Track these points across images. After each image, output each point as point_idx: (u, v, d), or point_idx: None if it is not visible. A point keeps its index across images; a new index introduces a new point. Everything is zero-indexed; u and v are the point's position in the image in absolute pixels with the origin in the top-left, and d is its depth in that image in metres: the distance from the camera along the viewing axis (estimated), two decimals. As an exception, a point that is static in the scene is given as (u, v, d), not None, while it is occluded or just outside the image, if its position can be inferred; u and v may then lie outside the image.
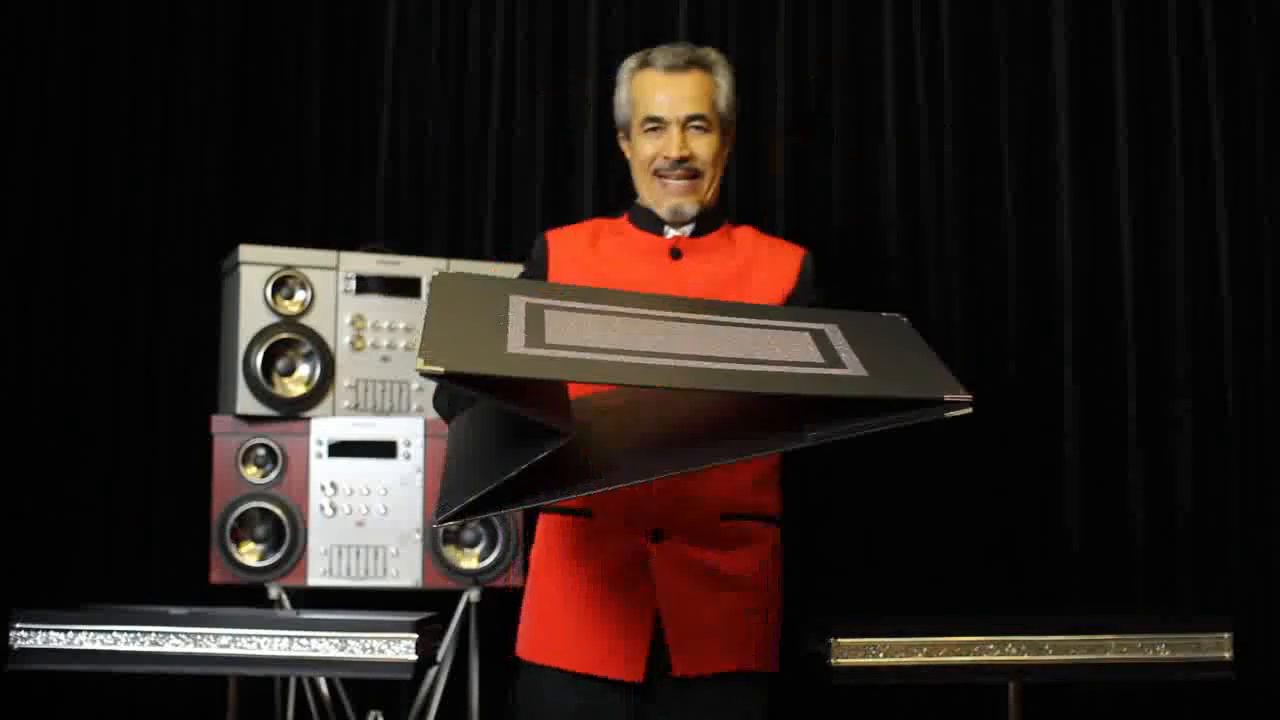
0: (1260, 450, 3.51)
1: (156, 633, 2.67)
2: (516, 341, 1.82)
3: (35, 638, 2.68)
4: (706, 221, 2.41)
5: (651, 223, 2.41)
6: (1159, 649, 2.74)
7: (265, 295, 3.22)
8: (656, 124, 2.36)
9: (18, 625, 2.69)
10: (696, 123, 2.35)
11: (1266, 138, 3.58)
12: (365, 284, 3.31)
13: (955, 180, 3.66)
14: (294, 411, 3.22)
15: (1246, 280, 3.55)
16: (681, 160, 2.34)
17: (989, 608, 3.41)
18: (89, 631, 2.68)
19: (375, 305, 3.31)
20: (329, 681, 3.28)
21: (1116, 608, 3.47)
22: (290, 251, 3.28)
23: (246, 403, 3.18)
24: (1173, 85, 3.60)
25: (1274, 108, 3.58)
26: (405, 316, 3.33)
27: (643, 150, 2.38)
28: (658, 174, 2.37)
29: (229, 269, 3.32)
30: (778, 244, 2.49)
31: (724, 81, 2.40)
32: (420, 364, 1.68)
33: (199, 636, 2.67)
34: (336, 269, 3.29)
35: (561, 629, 2.31)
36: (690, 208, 2.37)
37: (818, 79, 3.74)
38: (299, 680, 3.27)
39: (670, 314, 2.00)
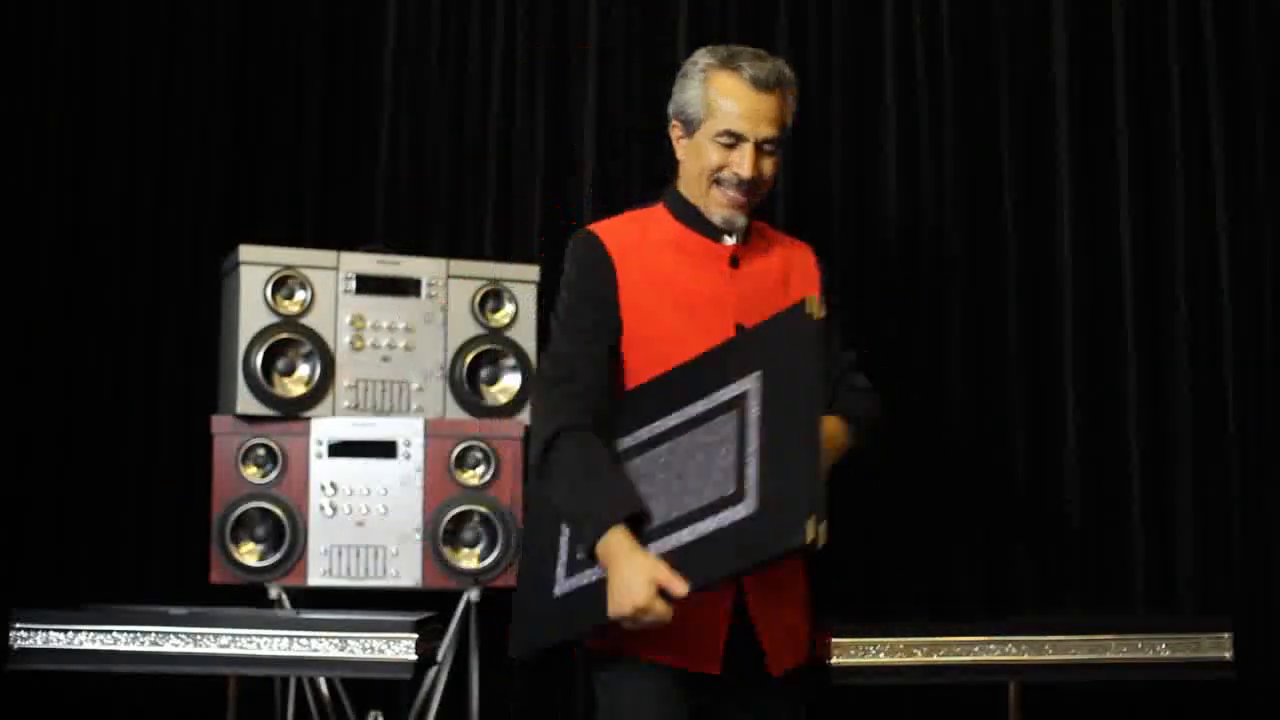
0: (1260, 450, 3.51)
1: (156, 633, 2.67)
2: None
3: (35, 638, 2.68)
4: (748, 227, 2.42)
5: (704, 225, 2.38)
6: (1159, 649, 2.74)
7: (265, 295, 3.22)
8: (733, 139, 2.30)
9: (18, 625, 2.69)
10: (770, 145, 2.33)
11: (1266, 138, 3.58)
12: (365, 284, 3.31)
13: (955, 180, 3.66)
14: (294, 411, 3.22)
15: (1246, 281, 3.55)
16: (753, 180, 2.32)
17: (989, 608, 3.42)
18: (89, 631, 2.68)
19: (375, 305, 3.31)
20: (329, 681, 3.28)
21: (1116, 608, 3.47)
22: (290, 251, 3.28)
23: (246, 403, 3.18)
24: (1173, 85, 3.60)
25: (1274, 108, 3.58)
26: (405, 316, 3.32)
27: (709, 157, 2.32)
28: (718, 183, 2.33)
29: (229, 269, 3.32)
30: (793, 243, 2.52)
31: (793, 100, 2.40)
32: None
33: (199, 636, 2.67)
34: (336, 269, 3.29)
35: None
36: (742, 220, 2.37)
37: (818, 79, 3.74)
38: (299, 680, 3.27)
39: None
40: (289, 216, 3.78)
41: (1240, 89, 3.59)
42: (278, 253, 3.26)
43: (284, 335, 3.22)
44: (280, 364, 3.23)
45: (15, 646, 2.68)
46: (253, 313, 3.20)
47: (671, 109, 2.40)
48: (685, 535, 2.09)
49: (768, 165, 2.33)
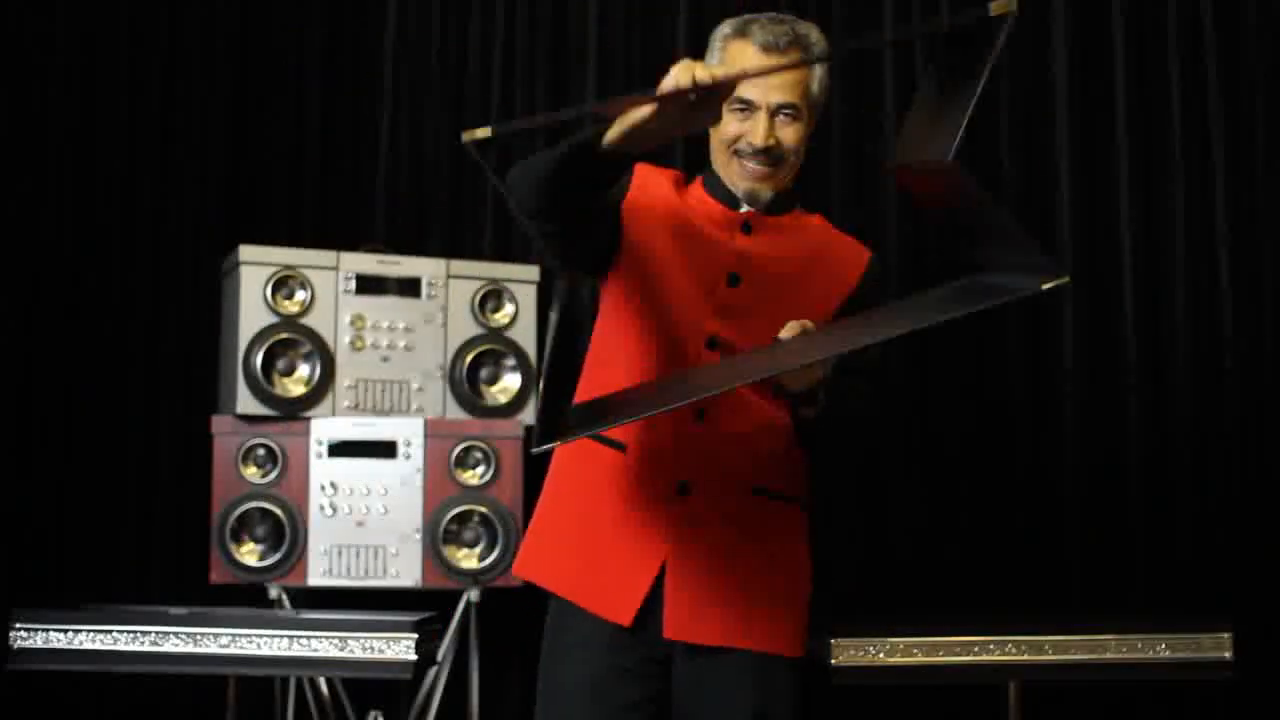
0: (1260, 450, 3.51)
1: (156, 633, 2.67)
2: None
3: (35, 638, 2.68)
4: (779, 203, 2.35)
5: (726, 195, 2.34)
6: (1159, 649, 2.74)
7: (265, 295, 3.22)
8: (745, 106, 2.24)
9: (18, 625, 2.69)
10: (787, 111, 2.25)
11: (1266, 138, 3.58)
12: (365, 284, 3.31)
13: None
14: (294, 411, 3.22)
15: (1246, 280, 3.55)
16: (767, 149, 2.25)
17: (989, 608, 3.42)
18: (89, 631, 2.68)
19: (375, 305, 3.31)
20: (329, 681, 3.28)
21: (1116, 608, 3.47)
22: (290, 251, 3.28)
23: (246, 403, 3.18)
24: (1173, 85, 3.60)
25: (1274, 108, 3.58)
26: (405, 316, 3.32)
27: (726, 128, 2.26)
28: (737, 154, 2.28)
29: (229, 269, 3.33)
30: (846, 241, 2.43)
31: (821, 68, 2.29)
32: None
33: (199, 636, 2.67)
34: (336, 269, 3.29)
35: (568, 555, 2.25)
36: (766, 193, 2.30)
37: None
38: (299, 680, 3.27)
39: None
40: (289, 216, 3.78)
41: (1240, 89, 3.59)
42: (278, 253, 3.26)
43: (284, 335, 3.22)
44: (280, 364, 3.23)
45: (15, 646, 2.68)
46: (253, 313, 3.20)
47: None
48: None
49: (787, 133, 2.26)
